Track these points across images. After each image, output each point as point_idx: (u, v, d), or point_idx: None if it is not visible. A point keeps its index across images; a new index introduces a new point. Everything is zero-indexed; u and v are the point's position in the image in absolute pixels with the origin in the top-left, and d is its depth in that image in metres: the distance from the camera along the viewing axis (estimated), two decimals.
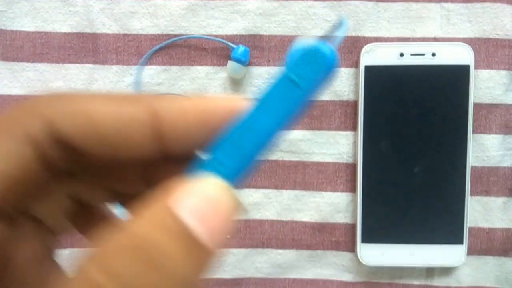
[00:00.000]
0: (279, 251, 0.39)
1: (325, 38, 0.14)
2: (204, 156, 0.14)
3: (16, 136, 0.13)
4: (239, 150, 0.14)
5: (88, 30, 0.38)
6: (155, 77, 0.39)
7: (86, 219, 0.18)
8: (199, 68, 0.39)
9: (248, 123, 0.14)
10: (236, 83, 0.39)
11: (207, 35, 0.38)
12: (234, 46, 0.37)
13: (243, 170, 0.14)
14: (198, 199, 0.12)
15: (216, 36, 0.38)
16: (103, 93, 0.14)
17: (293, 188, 0.39)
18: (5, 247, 0.14)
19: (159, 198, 0.12)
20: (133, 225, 0.12)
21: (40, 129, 0.13)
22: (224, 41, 0.38)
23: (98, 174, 0.16)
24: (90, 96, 0.14)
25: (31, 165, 0.13)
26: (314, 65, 0.14)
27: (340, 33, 0.14)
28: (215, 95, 0.15)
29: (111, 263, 0.11)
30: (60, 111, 0.13)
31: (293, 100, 0.14)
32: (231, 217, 0.13)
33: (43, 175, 0.14)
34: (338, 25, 0.15)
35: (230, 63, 0.37)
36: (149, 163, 0.15)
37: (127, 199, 0.17)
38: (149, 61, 0.39)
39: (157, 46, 0.38)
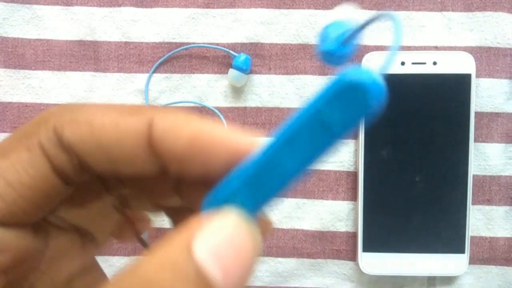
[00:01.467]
0: (280, 259, 0.39)
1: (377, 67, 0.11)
2: (221, 186, 0.13)
3: (30, 147, 0.13)
4: (260, 187, 0.12)
5: (89, 38, 0.39)
6: (157, 85, 0.39)
7: (132, 229, 0.18)
8: (200, 76, 0.39)
9: (270, 161, 0.12)
10: (236, 91, 0.39)
11: (208, 44, 0.38)
12: (236, 54, 0.37)
13: (262, 206, 0.13)
14: (217, 239, 0.11)
15: (217, 44, 0.38)
16: (107, 104, 0.15)
17: (294, 196, 0.39)
18: (34, 258, 0.14)
19: (175, 236, 0.11)
20: (142, 266, 0.11)
21: (48, 138, 0.14)
22: (226, 49, 0.38)
23: (132, 186, 0.16)
24: (93, 106, 0.14)
25: (46, 174, 0.14)
26: (353, 106, 0.11)
27: (395, 42, 0.11)
28: (218, 126, 0.13)
29: None
30: (65, 120, 0.14)
31: (321, 144, 0.12)
32: (252, 261, 0.11)
33: (58, 184, 0.14)
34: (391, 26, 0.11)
35: (231, 71, 0.37)
36: (157, 177, 0.15)
37: (170, 211, 0.17)
38: (150, 68, 0.39)
39: (167, 55, 0.38)
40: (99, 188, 0.16)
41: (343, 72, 0.11)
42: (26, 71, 0.39)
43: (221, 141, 0.13)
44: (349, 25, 0.12)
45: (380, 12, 0.13)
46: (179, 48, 0.38)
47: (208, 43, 0.38)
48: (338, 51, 0.12)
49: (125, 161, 0.14)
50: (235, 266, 0.11)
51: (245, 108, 0.39)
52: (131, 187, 0.16)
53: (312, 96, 0.12)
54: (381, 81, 0.11)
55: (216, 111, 0.38)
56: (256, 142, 0.13)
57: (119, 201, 0.17)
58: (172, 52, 0.38)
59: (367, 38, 0.38)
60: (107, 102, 0.39)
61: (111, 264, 0.39)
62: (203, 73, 0.39)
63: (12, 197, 0.13)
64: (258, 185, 0.12)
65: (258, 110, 0.38)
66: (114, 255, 0.39)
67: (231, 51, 0.38)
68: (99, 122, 0.13)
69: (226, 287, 0.11)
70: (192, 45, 0.38)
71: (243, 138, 0.13)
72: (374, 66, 0.11)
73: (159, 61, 0.38)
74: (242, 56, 0.37)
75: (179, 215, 0.17)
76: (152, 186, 0.16)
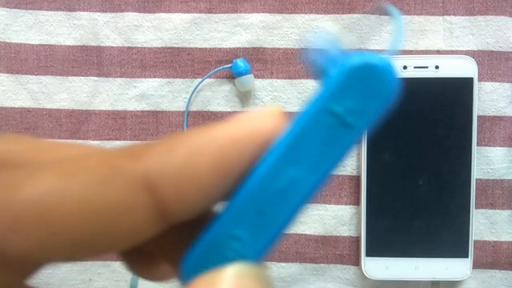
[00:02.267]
0: (283, 264, 0.39)
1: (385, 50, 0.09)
2: (218, 229, 0.10)
3: None
4: (264, 220, 0.10)
5: (92, 43, 0.39)
6: (159, 89, 0.39)
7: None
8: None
9: (273, 180, 0.09)
10: (239, 96, 0.39)
11: (210, 48, 0.38)
12: (229, 65, 0.38)
13: (270, 246, 0.10)
14: None
15: (220, 49, 0.38)
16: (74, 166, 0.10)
17: None
18: None
19: None
20: None
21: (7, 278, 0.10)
22: (220, 68, 0.38)
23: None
24: (31, 172, 0.10)
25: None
26: (368, 91, 0.09)
27: (397, 36, 0.09)
28: (228, 123, 0.10)
29: None
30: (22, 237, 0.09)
31: (338, 144, 0.09)
32: None
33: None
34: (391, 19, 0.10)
35: (237, 80, 0.38)
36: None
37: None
38: (152, 73, 0.39)
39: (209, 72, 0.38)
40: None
41: (349, 58, 0.10)
42: (29, 76, 0.39)
43: (247, 134, 0.10)
44: (336, 38, 0.11)
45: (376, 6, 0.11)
46: (222, 67, 0.38)
47: (210, 48, 0.38)
48: (328, 62, 0.11)
49: (119, 245, 0.10)
50: None
51: None
52: None
53: (314, 92, 0.10)
54: (392, 64, 0.09)
55: None
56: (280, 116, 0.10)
57: None
58: (217, 69, 0.38)
59: (368, 43, 0.38)
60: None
61: (113, 269, 0.39)
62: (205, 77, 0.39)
63: None
64: (262, 216, 0.10)
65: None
66: (115, 260, 0.39)
67: (224, 66, 0.38)
68: (61, 211, 0.09)
69: None
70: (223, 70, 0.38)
71: (270, 117, 0.10)
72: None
73: (207, 75, 0.38)
74: (238, 63, 0.37)
75: (142, 260, 0.14)
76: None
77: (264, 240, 0.10)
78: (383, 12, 0.10)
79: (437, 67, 0.37)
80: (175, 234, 0.11)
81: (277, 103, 0.39)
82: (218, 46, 0.38)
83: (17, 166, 0.11)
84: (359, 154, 0.38)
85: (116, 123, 0.39)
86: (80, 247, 0.10)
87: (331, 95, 0.09)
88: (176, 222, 0.10)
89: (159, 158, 0.10)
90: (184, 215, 0.10)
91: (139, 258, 0.13)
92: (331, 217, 0.39)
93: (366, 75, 0.09)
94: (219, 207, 0.11)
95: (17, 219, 0.09)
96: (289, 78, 0.38)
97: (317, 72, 0.10)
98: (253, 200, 0.10)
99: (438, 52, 0.38)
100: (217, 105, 0.39)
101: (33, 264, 0.10)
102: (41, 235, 0.09)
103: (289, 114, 0.37)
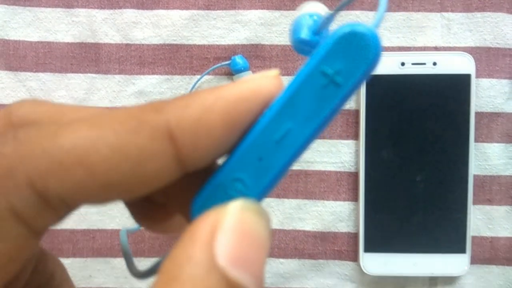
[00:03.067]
0: (281, 260, 0.39)
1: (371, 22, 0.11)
2: (223, 174, 0.12)
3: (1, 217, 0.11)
4: (263, 165, 0.11)
5: (90, 40, 0.39)
6: (157, 86, 0.39)
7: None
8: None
9: (272, 131, 0.11)
10: None
11: (208, 45, 0.38)
12: (228, 62, 0.38)
13: (269, 187, 0.12)
14: (233, 238, 0.11)
15: (218, 45, 0.38)
16: (90, 114, 0.12)
17: (295, 197, 0.39)
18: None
19: (190, 248, 0.10)
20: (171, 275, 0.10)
21: (21, 198, 0.11)
22: (219, 65, 0.38)
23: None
24: (74, 122, 0.11)
25: (22, 243, 0.11)
26: (358, 55, 0.11)
27: (380, 11, 0.11)
28: (236, 84, 0.12)
29: None
30: (41, 164, 0.11)
31: (331, 101, 0.11)
32: (268, 246, 0.11)
33: (37, 243, 0.12)
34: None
35: (236, 77, 0.38)
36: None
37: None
38: (151, 70, 0.39)
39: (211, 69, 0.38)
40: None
41: (340, 27, 0.11)
42: (27, 73, 0.39)
43: (252, 92, 0.12)
44: (320, 14, 0.12)
45: None
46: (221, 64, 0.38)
47: (208, 45, 0.38)
48: (311, 40, 0.12)
49: (144, 187, 0.11)
50: (258, 264, 0.11)
51: None
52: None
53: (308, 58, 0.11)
54: (376, 33, 0.11)
55: None
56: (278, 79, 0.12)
57: None
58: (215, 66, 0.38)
59: None
60: (96, 106, 0.39)
61: (113, 266, 0.39)
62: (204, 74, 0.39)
63: None
64: (262, 162, 0.11)
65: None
66: (116, 256, 0.39)
67: (223, 63, 0.38)
68: (97, 156, 0.11)
69: (256, 283, 0.11)
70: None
71: (270, 79, 0.12)
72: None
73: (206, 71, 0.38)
74: (236, 59, 0.37)
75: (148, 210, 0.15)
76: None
77: (263, 182, 0.11)
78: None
79: (434, 63, 0.37)
80: (188, 185, 0.13)
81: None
82: (217, 43, 0.39)
83: (44, 124, 0.12)
84: (357, 151, 0.38)
85: None
86: (112, 189, 0.11)
87: (323, 58, 0.11)
88: (190, 169, 0.12)
89: (177, 112, 0.11)
90: (197, 162, 0.12)
91: (151, 209, 0.15)
92: (329, 213, 0.39)
93: (353, 42, 0.11)
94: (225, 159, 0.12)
95: (60, 163, 0.10)
96: (288, 74, 0.39)
97: (306, 45, 0.12)
98: (254, 148, 0.11)
99: (436, 48, 0.38)
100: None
101: (69, 205, 0.11)
102: (79, 177, 0.11)
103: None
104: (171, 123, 0.11)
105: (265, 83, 0.12)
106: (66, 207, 0.11)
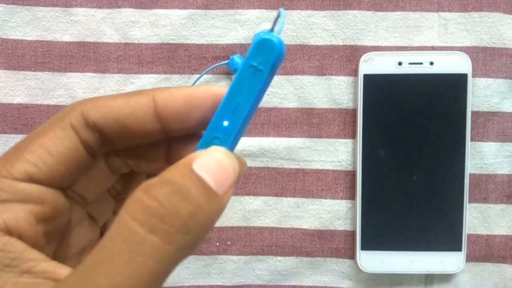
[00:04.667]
0: (279, 258, 0.40)
1: (271, 30, 0.18)
2: (205, 134, 0.18)
3: (64, 127, 0.18)
4: (229, 126, 0.18)
5: (89, 39, 0.39)
6: (156, 85, 0.39)
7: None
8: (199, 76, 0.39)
9: (230, 105, 0.18)
10: None
11: (207, 44, 0.39)
12: (226, 61, 0.38)
13: (235, 140, 0.18)
14: (209, 162, 0.16)
15: (217, 45, 0.39)
16: (121, 94, 0.19)
17: (293, 195, 0.39)
18: (64, 216, 0.18)
19: (181, 162, 0.16)
20: (165, 173, 0.16)
21: (77, 120, 0.18)
22: (217, 64, 0.38)
23: (133, 156, 0.20)
24: (111, 95, 0.19)
25: (76, 147, 0.18)
26: (269, 52, 0.17)
27: (281, 24, 0.18)
28: (198, 86, 0.19)
29: (155, 192, 0.15)
30: (89, 106, 0.18)
31: (259, 81, 0.17)
32: (233, 174, 0.17)
33: (85, 156, 0.18)
34: (277, 17, 0.18)
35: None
36: (161, 141, 0.19)
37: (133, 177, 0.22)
38: (149, 69, 0.39)
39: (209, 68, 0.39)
40: (106, 172, 0.21)
41: (259, 35, 0.17)
42: (26, 72, 0.39)
43: (205, 93, 0.18)
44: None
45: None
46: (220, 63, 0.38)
47: (206, 44, 0.39)
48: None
49: (137, 129, 0.18)
50: (222, 179, 0.16)
51: None
52: (132, 156, 0.20)
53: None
54: (280, 38, 0.17)
55: None
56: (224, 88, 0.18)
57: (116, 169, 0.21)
58: (214, 65, 0.39)
59: (364, 39, 0.38)
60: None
61: None
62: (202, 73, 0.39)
63: (51, 163, 0.17)
64: (228, 124, 0.18)
65: (257, 110, 0.39)
66: None
67: (221, 63, 0.38)
68: (115, 103, 0.18)
69: (220, 190, 0.16)
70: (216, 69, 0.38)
71: (216, 88, 0.19)
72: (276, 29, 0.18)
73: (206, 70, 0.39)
74: (235, 59, 0.38)
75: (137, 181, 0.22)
76: (149, 153, 0.20)
77: (230, 137, 0.18)
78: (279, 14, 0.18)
79: (431, 63, 0.37)
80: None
81: (273, 99, 0.39)
82: (215, 42, 0.39)
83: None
84: (354, 150, 0.39)
85: None
86: (122, 123, 0.18)
87: (250, 56, 0.17)
88: (172, 133, 0.19)
89: (158, 92, 0.18)
90: (172, 123, 0.18)
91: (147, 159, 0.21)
92: (327, 212, 0.39)
93: (265, 44, 0.17)
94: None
95: (95, 106, 0.18)
96: (286, 74, 0.39)
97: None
98: (221, 116, 0.18)
99: (432, 48, 0.38)
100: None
101: (99, 129, 0.18)
102: (106, 114, 0.18)
103: (286, 111, 0.37)
104: (156, 96, 0.18)
105: (213, 87, 0.19)
106: (97, 130, 0.18)
